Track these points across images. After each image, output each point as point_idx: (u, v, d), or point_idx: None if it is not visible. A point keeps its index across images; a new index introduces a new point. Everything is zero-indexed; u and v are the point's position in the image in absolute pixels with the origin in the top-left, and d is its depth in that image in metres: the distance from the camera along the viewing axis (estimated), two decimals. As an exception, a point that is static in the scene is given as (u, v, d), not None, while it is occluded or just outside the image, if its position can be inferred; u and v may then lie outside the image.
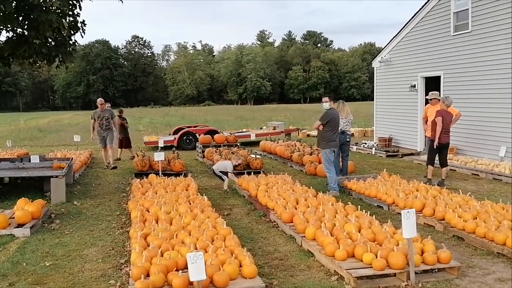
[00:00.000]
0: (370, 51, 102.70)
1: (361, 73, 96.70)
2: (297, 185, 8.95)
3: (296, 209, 7.24)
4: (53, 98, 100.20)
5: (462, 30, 13.09)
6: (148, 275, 4.62)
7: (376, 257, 4.94)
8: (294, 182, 9.31)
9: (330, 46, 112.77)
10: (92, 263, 5.47)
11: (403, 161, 13.84)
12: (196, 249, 5.19)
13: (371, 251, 5.06)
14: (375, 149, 15.61)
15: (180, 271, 4.54)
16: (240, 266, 4.84)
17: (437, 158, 10.12)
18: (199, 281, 4.15)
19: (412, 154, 14.97)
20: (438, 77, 14.30)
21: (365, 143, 16.91)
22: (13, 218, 6.95)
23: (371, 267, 4.89)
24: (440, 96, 11.41)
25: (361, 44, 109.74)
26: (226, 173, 10.07)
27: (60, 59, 9.41)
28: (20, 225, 6.71)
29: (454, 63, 13.45)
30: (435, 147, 9.76)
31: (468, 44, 12.87)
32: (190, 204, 7.41)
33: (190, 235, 5.74)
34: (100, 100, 13.18)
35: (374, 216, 6.78)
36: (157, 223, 6.32)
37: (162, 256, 5.00)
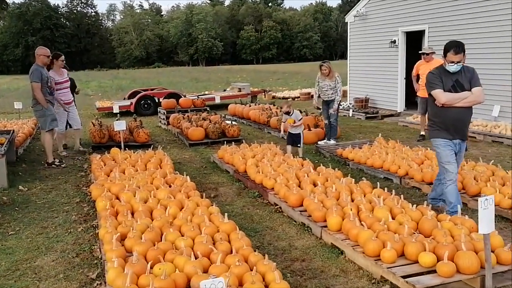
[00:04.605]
0: (321, 11, 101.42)
1: (312, 33, 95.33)
2: (290, 156, 7.66)
3: (299, 187, 5.98)
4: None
5: (451, -22, 11.93)
6: (136, 304, 3.23)
7: (438, 259, 3.75)
8: (285, 153, 8.01)
9: (282, 5, 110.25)
10: (50, 281, 3.97)
11: (386, 123, 12.83)
12: (196, 257, 3.81)
13: (429, 249, 3.86)
14: (353, 111, 14.53)
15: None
16: (263, 280, 3.52)
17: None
18: (219, 319, 2.81)
19: (392, 115, 14.04)
20: (422, 32, 13.23)
21: (341, 105, 15.75)
22: None
23: (435, 272, 3.69)
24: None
25: (312, 3, 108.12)
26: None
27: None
28: None
29: (441, 16, 12.32)
30: None
31: (458, -6, 11.75)
32: (170, 186, 5.97)
33: (181, 234, 4.35)
34: (45, 51, 8.25)
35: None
36: (133, 216, 4.87)
37: (151, 270, 3.60)
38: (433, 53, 9.84)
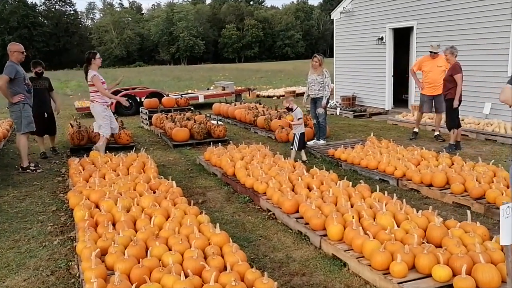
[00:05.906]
0: (303, 9, 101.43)
1: (294, 31, 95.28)
2: (281, 158, 7.28)
3: (293, 191, 5.60)
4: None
5: (440, -27, 11.68)
6: (118, 333, 2.81)
7: (454, 273, 3.41)
8: (275, 154, 7.63)
9: (263, 4, 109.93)
10: (21, 305, 3.54)
11: (374, 122, 12.55)
12: (186, 275, 3.40)
13: (443, 262, 3.52)
14: (340, 109, 14.23)
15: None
16: (263, 302, 3.13)
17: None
18: None
19: (380, 113, 13.78)
20: (410, 28, 12.98)
21: (329, 102, 15.44)
22: None
23: (452, 288, 3.36)
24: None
25: (293, 2, 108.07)
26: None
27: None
28: None
29: (430, 11, 12.08)
30: (454, 107, 8.37)
31: (447, -11, 11.50)
32: (155, 192, 5.53)
33: (168, 247, 3.93)
34: (18, 47, 7.93)
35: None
36: (114, 227, 4.43)
37: (135, 292, 3.18)
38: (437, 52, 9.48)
